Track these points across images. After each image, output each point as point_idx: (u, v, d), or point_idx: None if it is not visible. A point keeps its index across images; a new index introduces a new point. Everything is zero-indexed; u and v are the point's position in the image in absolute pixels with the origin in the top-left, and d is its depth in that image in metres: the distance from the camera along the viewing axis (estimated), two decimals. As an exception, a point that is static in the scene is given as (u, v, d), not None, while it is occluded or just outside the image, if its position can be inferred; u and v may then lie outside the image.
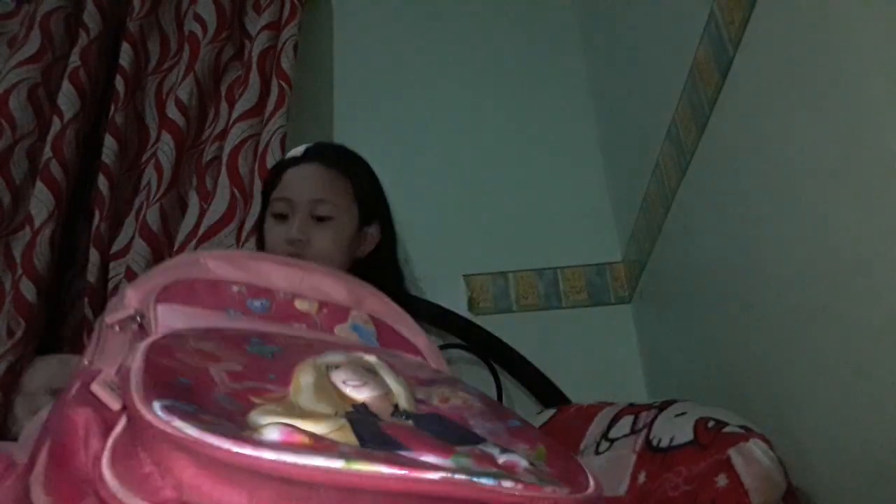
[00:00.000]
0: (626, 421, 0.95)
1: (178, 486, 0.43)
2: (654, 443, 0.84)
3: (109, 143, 1.38)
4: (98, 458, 0.46)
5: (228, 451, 0.44)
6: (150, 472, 0.44)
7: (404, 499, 0.45)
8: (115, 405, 0.48)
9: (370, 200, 1.25)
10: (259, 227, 1.29)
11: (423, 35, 1.85)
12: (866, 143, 0.72)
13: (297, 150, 1.25)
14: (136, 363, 0.49)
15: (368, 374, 0.56)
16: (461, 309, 1.56)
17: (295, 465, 0.43)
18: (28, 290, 1.21)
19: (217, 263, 0.69)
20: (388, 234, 1.27)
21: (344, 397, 0.53)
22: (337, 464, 0.43)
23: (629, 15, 1.48)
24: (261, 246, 1.25)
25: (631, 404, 1.02)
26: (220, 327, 0.61)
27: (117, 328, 0.59)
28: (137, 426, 0.45)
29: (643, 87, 1.41)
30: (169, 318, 0.60)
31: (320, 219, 1.18)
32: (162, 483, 0.43)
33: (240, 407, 0.49)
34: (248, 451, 0.43)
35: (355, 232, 1.22)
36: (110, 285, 1.34)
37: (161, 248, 1.38)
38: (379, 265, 1.24)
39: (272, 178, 1.25)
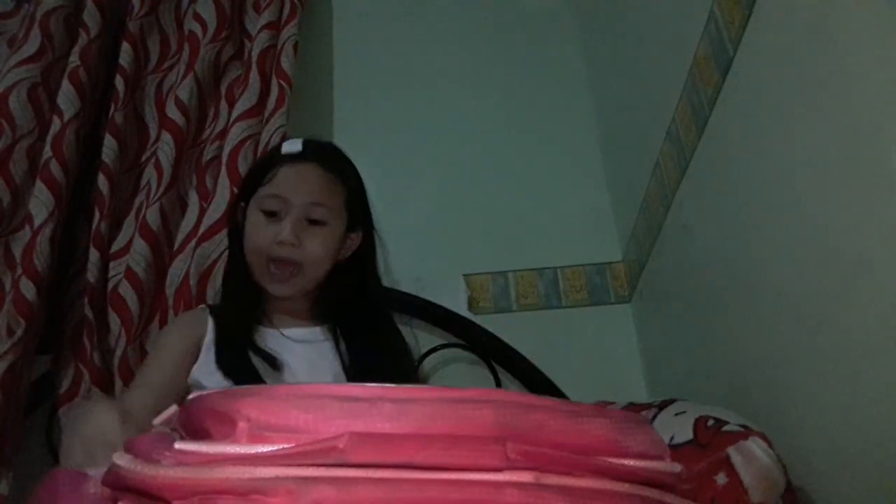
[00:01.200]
0: (626, 421, 0.95)
1: (248, 419, 0.49)
2: (654, 442, 0.84)
3: (109, 142, 1.38)
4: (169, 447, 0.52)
5: (291, 387, 0.55)
6: (221, 424, 0.50)
7: (455, 403, 0.51)
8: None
9: (359, 207, 1.24)
10: (231, 215, 1.25)
11: (423, 35, 1.85)
12: (866, 142, 0.72)
13: (294, 145, 1.21)
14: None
15: None
16: (461, 309, 1.55)
17: (354, 386, 0.52)
18: (28, 289, 1.21)
19: None
20: (370, 241, 1.26)
21: None
22: (390, 385, 0.52)
23: (629, 14, 1.48)
24: (236, 237, 1.21)
25: (631, 403, 1.02)
26: None
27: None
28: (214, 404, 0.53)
29: (643, 87, 1.41)
30: None
31: (313, 222, 1.17)
32: (235, 423, 0.49)
33: None
34: (307, 386, 0.52)
35: (342, 238, 1.21)
36: (110, 285, 1.34)
37: (161, 248, 1.38)
38: (359, 270, 1.24)
39: (264, 170, 1.20)
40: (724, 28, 0.99)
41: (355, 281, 1.25)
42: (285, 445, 0.48)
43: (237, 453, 0.48)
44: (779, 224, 0.91)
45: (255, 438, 0.48)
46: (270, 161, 1.22)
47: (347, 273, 1.24)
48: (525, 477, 0.48)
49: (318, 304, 1.23)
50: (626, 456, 0.53)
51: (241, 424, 0.48)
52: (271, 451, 0.47)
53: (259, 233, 1.17)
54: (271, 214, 1.16)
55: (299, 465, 0.46)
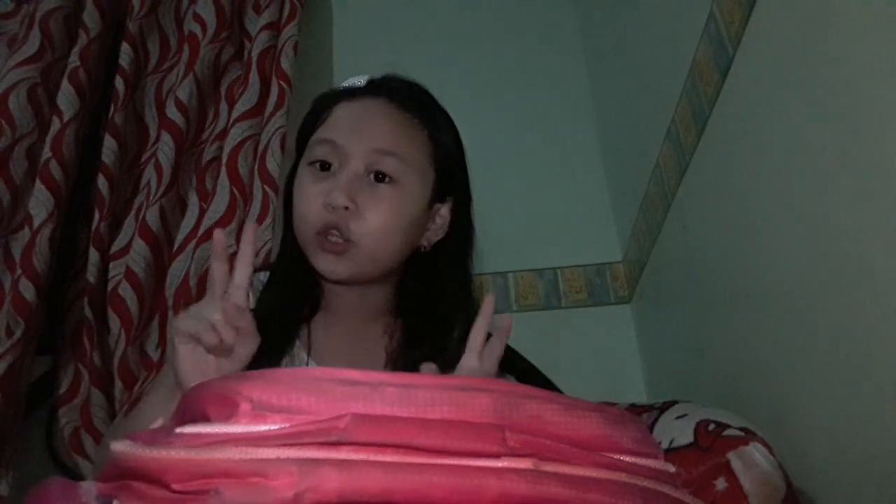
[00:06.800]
0: (627, 422, 0.95)
1: (250, 400, 0.49)
2: (654, 444, 0.84)
3: (109, 143, 1.38)
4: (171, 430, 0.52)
5: (295, 370, 0.50)
6: (222, 408, 0.49)
7: (454, 390, 0.51)
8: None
9: (451, 166, 0.91)
10: (287, 191, 0.93)
11: (422, 35, 1.85)
12: (866, 142, 0.72)
13: (356, 80, 0.93)
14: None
15: None
16: (461, 309, 1.55)
17: (357, 371, 0.51)
18: (27, 290, 1.21)
19: None
20: (464, 221, 0.92)
21: None
22: (391, 372, 0.54)
23: (629, 15, 1.48)
24: (287, 213, 0.92)
25: (632, 405, 1.02)
26: None
27: None
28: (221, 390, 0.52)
29: (643, 87, 1.41)
30: None
31: (380, 178, 0.84)
32: (237, 404, 0.49)
33: None
34: (309, 370, 0.49)
35: (424, 208, 0.87)
36: (110, 285, 1.34)
37: (161, 248, 1.38)
38: (443, 267, 0.91)
39: (313, 116, 0.91)
40: (724, 28, 0.98)
41: (437, 285, 0.90)
42: (287, 425, 0.48)
43: (238, 433, 0.47)
44: (779, 224, 0.91)
45: (256, 418, 0.48)
46: (325, 101, 0.92)
47: (430, 271, 0.90)
48: (524, 464, 0.48)
49: (399, 302, 0.91)
50: (620, 452, 0.54)
51: (244, 405, 0.48)
52: (273, 429, 0.47)
53: (305, 194, 0.85)
54: (324, 167, 0.85)
55: (301, 446, 0.46)
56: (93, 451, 1.24)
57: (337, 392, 0.49)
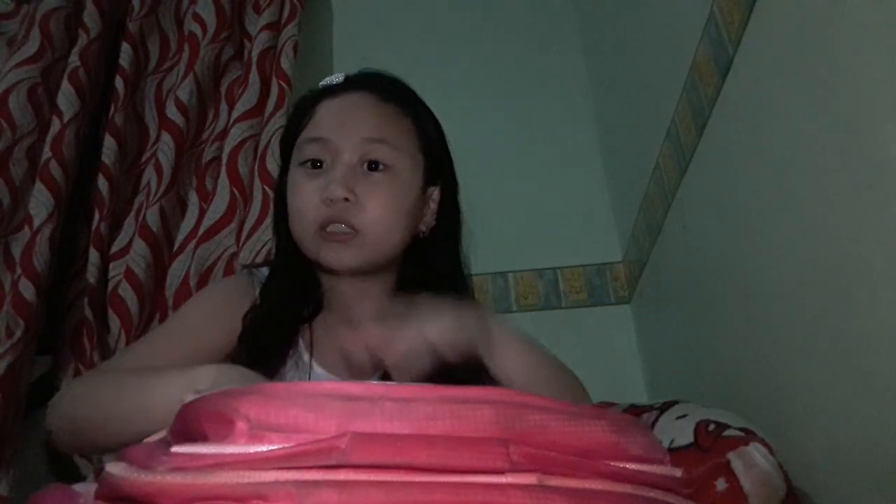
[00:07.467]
0: (627, 422, 0.95)
1: (247, 418, 0.48)
2: (654, 444, 0.84)
3: (109, 143, 1.38)
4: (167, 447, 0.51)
5: (292, 384, 0.55)
6: (219, 425, 0.49)
7: (455, 403, 0.50)
8: None
9: (437, 150, 0.93)
10: (278, 195, 0.94)
11: (422, 35, 1.85)
12: (867, 142, 0.72)
13: (334, 78, 0.93)
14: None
15: None
16: (461, 309, 1.55)
17: (356, 385, 0.50)
18: (27, 290, 1.21)
19: None
20: (451, 207, 0.95)
21: None
22: (393, 384, 0.52)
23: (629, 15, 1.48)
24: (281, 216, 0.92)
25: (632, 405, 1.01)
26: None
27: None
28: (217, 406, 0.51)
29: (643, 87, 1.41)
30: None
31: (373, 166, 0.85)
32: (234, 423, 0.48)
33: None
34: (307, 384, 0.48)
35: (419, 192, 0.89)
36: (110, 285, 1.34)
37: (161, 248, 1.38)
38: (437, 251, 0.93)
39: (297, 119, 0.91)
40: (724, 28, 0.98)
41: (432, 272, 0.92)
42: (285, 445, 0.47)
43: (236, 454, 0.46)
44: (779, 224, 0.91)
45: (254, 438, 0.47)
46: (307, 102, 0.93)
47: (425, 260, 0.92)
48: (528, 479, 0.47)
49: (403, 288, 0.91)
50: (626, 459, 0.53)
51: (240, 424, 0.47)
52: (271, 450, 0.46)
53: (301, 193, 0.86)
54: (316, 165, 0.86)
55: (300, 468, 0.45)
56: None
57: (335, 408, 0.48)
